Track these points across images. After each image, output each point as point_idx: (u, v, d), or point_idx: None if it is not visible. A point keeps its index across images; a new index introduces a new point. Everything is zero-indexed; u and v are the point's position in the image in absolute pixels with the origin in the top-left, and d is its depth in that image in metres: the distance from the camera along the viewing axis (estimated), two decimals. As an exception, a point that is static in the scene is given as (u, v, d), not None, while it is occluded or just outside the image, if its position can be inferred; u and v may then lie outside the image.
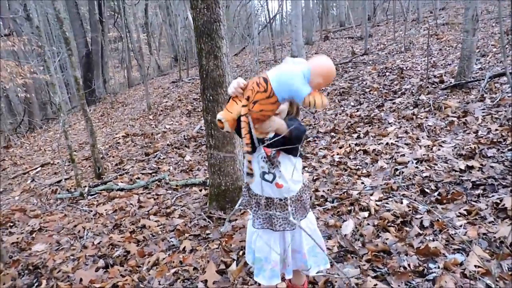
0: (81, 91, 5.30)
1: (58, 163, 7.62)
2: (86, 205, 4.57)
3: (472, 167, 3.31)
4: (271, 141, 1.55)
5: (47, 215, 4.40)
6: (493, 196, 2.82)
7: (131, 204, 4.29)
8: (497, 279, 1.97)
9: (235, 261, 2.70)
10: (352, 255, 2.51)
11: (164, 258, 2.96)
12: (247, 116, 1.48)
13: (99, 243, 3.43)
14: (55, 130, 12.81)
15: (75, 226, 3.91)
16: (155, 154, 6.45)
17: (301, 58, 1.57)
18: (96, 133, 5.80)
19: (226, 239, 3.04)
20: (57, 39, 22.31)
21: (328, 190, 3.59)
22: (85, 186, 5.17)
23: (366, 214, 2.98)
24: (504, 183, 2.93)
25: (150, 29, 22.30)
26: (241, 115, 1.50)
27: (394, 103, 5.94)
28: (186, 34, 20.08)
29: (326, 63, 1.48)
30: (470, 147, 3.68)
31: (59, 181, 5.95)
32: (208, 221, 3.48)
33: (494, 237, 2.35)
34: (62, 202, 4.85)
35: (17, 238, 3.70)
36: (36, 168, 7.58)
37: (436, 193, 3.07)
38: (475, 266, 2.13)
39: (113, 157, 7.03)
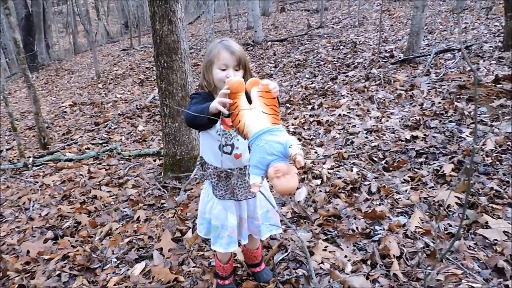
0: (22, 54, 4.90)
1: (-3, 133, 7.09)
2: (31, 176, 4.33)
3: (416, 137, 3.52)
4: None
5: (-13, 187, 4.13)
6: (434, 163, 3.02)
7: (81, 174, 4.13)
8: (435, 238, 2.15)
9: (190, 229, 2.71)
10: (304, 220, 2.61)
11: (117, 228, 2.90)
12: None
13: (46, 214, 3.29)
14: (-7, 98, 11.82)
15: (19, 198, 3.71)
16: (105, 124, 6.19)
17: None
18: (40, 102, 5.42)
19: (182, 208, 3.03)
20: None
21: (282, 159, 3.65)
22: (29, 157, 4.88)
23: (318, 181, 3.09)
24: (444, 152, 3.15)
25: (98, -9, 20.84)
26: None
27: (347, 76, 6.09)
28: (137, -1, 19.02)
29: None
30: (416, 119, 3.90)
31: (0, 151, 5.56)
32: (163, 191, 3.44)
33: (434, 200, 2.55)
34: (4, 174, 4.56)
35: (-46, 212, 3.45)
36: (-28, 138, 7.00)
37: (383, 161, 3.24)
38: (416, 227, 2.30)
39: (60, 126, 6.66)
